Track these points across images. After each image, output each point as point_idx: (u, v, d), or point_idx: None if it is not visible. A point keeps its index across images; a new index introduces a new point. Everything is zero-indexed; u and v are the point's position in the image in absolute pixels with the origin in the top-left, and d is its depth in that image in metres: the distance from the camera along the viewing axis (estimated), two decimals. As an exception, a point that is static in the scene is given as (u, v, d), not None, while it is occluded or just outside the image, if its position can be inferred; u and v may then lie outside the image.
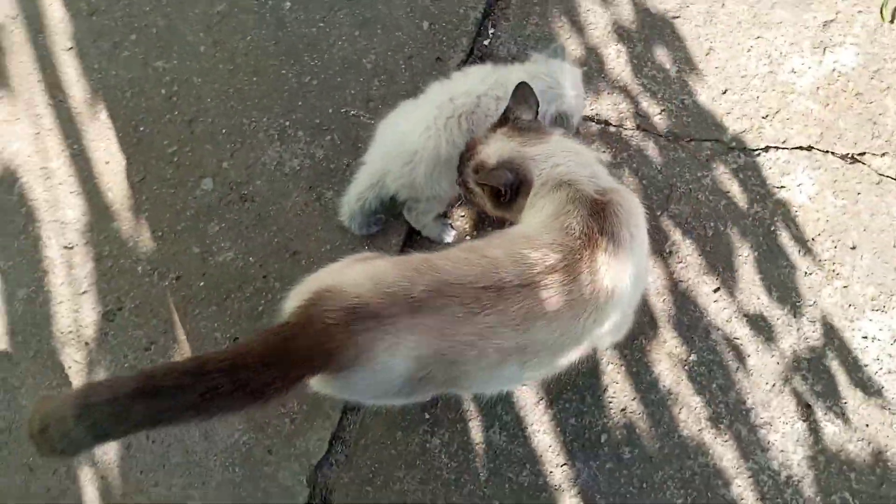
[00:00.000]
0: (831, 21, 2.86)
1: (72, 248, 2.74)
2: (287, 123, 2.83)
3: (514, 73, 2.43)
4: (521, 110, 2.15)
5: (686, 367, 2.62)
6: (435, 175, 2.39)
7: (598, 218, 1.90)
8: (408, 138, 2.38)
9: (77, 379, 2.61)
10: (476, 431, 2.56)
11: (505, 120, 2.15)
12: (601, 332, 1.97)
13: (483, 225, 2.74)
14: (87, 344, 2.65)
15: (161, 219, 2.75)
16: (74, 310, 2.68)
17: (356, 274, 1.79)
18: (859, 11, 2.86)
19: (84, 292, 2.70)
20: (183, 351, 2.62)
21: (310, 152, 2.80)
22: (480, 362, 1.77)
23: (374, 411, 2.55)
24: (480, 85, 2.40)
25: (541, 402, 2.58)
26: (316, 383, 1.80)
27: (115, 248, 2.73)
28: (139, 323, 2.66)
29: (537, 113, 2.18)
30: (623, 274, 1.90)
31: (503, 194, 2.06)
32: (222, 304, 2.66)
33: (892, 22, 2.85)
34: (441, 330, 1.70)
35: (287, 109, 2.84)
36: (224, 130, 2.83)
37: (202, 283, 2.68)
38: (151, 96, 2.87)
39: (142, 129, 2.85)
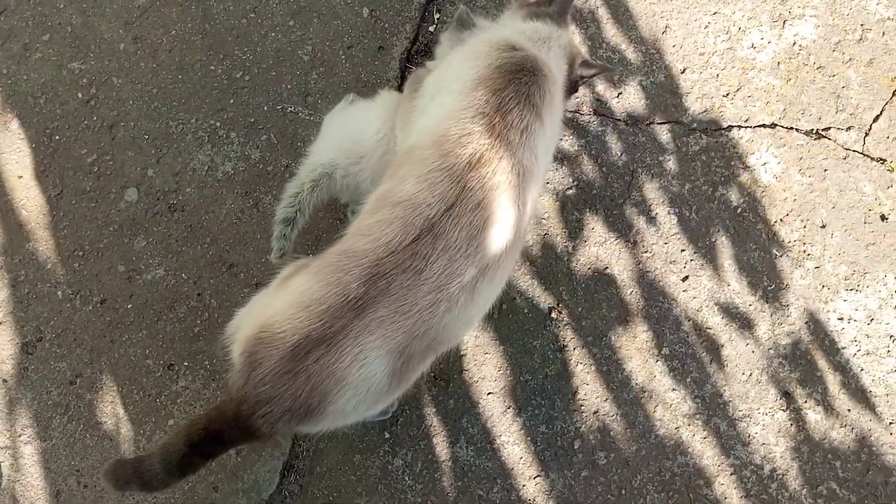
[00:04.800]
0: (788, -8, 2.49)
1: (-17, 273, 2.24)
2: (217, 124, 2.35)
3: None
4: None
5: (658, 362, 2.25)
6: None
7: (517, 85, 1.64)
8: (360, 136, 1.98)
9: (-5, 420, 2.13)
10: (441, 448, 2.15)
11: None
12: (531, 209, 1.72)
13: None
14: (4, 381, 2.17)
15: (82, 236, 2.26)
16: (-11, 342, 2.20)
17: (283, 304, 1.46)
18: (816, -20, 2.49)
19: (-1, 323, 2.21)
20: (112, 383, 2.15)
21: (244, 154, 2.33)
22: (453, 311, 1.50)
23: (330, 435, 2.12)
24: None
25: (508, 410, 2.19)
26: (307, 428, 1.58)
27: (31, 272, 2.23)
28: (62, 354, 2.18)
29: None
30: (541, 144, 1.66)
31: None
32: (153, 328, 2.19)
33: (849, -10, 2.49)
34: (398, 311, 1.44)
35: (217, 108, 2.36)
36: (148, 135, 2.34)
37: (130, 306, 2.20)
38: (67, 101, 2.37)
39: (57, 137, 2.34)
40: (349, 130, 2.04)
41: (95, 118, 2.35)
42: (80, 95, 2.37)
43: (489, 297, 1.64)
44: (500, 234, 1.54)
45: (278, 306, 1.48)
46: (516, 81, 1.64)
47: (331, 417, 1.49)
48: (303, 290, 1.47)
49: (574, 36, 2.45)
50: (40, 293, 2.22)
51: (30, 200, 2.28)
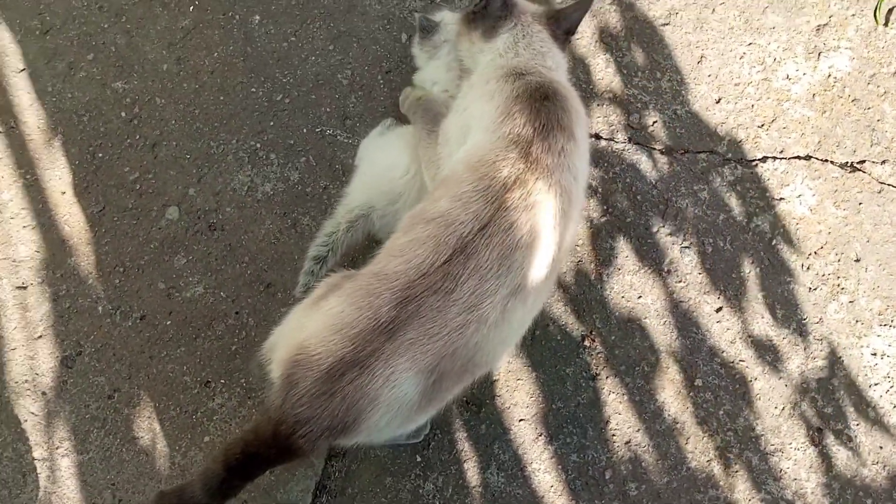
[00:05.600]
0: (824, 25, 2.47)
1: (25, 287, 2.25)
2: (258, 145, 2.36)
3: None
4: None
5: (691, 394, 2.22)
6: None
7: (546, 113, 1.66)
8: (392, 175, 1.99)
9: (34, 433, 2.13)
10: (472, 473, 2.13)
11: None
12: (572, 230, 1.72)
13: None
14: (44, 394, 2.17)
15: (123, 253, 2.27)
16: (30, 356, 2.20)
17: (317, 326, 1.51)
18: (853, 15, 2.47)
19: (40, 336, 2.21)
20: (149, 398, 2.15)
21: (283, 175, 2.34)
22: (483, 331, 1.50)
23: (362, 456, 2.11)
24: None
25: (540, 437, 2.17)
26: (342, 443, 1.58)
27: (72, 287, 2.24)
28: (101, 368, 2.18)
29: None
30: (578, 162, 1.68)
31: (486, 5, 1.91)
32: (191, 345, 2.19)
33: (885, 25, 2.47)
34: (427, 333, 1.45)
35: (257, 130, 2.37)
36: (189, 155, 2.35)
37: (168, 322, 2.21)
38: (110, 119, 2.38)
39: (100, 155, 2.36)
40: (380, 170, 2.04)
41: (138, 137, 2.36)
42: (123, 114, 2.38)
43: (524, 319, 1.64)
44: (533, 255, 1.54)
45: (312, 328, 1.51)
46: (545, 109, 1.65)
47: (365, 433, 1.52)
48: (335, 313, 1.49)
49: (608, 66, 2.45)
50: (81, 308, 2.23)
51: (72, 216, 2.30)
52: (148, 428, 2.14)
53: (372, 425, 1.49)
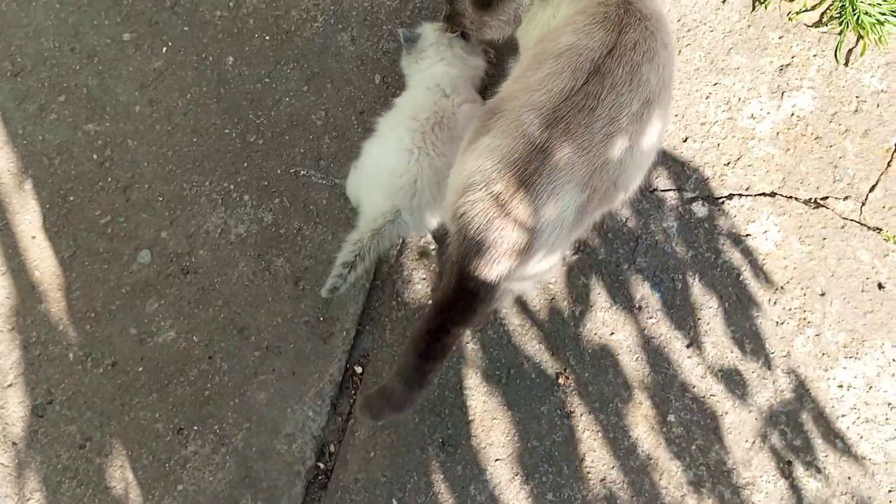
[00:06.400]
0: (787, 65, 2.52)
1: (-6, 334, 2.20)
2: (231, 187, 2.34)
3: (447, 67, 2.17)
4: None
5: (664, 430, 2.23)
6: (443, 192, 1.95)
7: None
8: (399, 169, 1.98)
9: (4, 484, 2.08)
10: (449, 515, 2.12)
11: None
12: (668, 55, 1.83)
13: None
14: (14, 444, 2.12)
15: (94, 298, 2.23)
16: (-2, 404, 2.15)
17: (476, 163, 1.62)
18: (814, 55, 2.52)
19: (10, 385, 2.16)
20: (121, 447, 2.10)
21: (257, 217, 2.32)
22: (625, 144, 1.64)
23: (337, 500, 2.08)
24: (428, 94, 2.09)
25: (516, 477, 2.16)
26: (519, 272, 1.68)
27: (43, 334, 2.20)
28: (72, 417, 2.13)
29: None
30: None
31: None
32: (164, 391, 2.15)
33: (846, 65, 2.52)
34: (580, 147, 1.58)
35: (231, 171, 2.35)
36: (162, 197, 2.33)
37: (140, 369, 2.17)
38: (82, 162, 2.35)
39: (71, 198, 2.32)
40: (385, 172, 2.01)
41: (110, 180, 2.33)
42: (94, 157, 2.35)
43: (654, 138, 1.75)
44: (655, 70, 1.68)
45: (471, 167, 1.62)
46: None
47: (537, 257, 1.64)
48: (492, 148, 1.61)
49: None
50: (51, 355, 2.18)
51: (43, 261, 2.25)
52: (121, 477, 2.09)
53: (542, 244, 1.61)
